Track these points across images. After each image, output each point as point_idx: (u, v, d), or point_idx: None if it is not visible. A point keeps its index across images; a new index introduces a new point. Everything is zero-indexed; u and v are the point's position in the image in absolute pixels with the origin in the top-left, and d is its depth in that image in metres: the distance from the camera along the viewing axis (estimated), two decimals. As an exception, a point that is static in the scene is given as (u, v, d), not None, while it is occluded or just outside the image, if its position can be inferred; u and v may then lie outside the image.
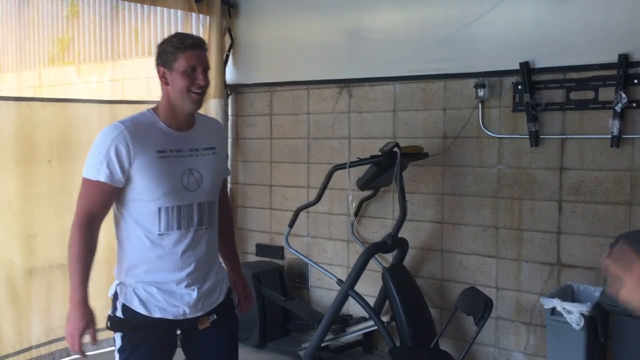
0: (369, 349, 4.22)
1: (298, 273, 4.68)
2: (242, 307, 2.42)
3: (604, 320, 3.15)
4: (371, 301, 3.96)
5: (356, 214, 4.29)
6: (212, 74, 4.71)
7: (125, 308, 2.09)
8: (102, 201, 2.04)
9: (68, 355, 4.13)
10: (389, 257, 4.07)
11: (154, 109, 2.11)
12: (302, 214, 4.34)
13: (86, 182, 2.04)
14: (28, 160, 3.86)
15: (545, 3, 3.59)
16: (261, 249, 4.85)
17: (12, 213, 3.82)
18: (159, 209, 2.03)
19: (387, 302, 3.89)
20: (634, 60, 3.29)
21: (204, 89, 2.04)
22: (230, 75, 4.91)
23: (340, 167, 3.88)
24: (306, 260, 4.29)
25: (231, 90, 4.92)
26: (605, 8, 3.38)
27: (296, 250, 4.27)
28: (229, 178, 2.41)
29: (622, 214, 3.39)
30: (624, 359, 2.93)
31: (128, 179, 2.01)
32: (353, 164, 3.82)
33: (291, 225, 4.17)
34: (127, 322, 2.07)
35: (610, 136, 3.35)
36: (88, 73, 6.60)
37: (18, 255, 3.85)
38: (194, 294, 2.11)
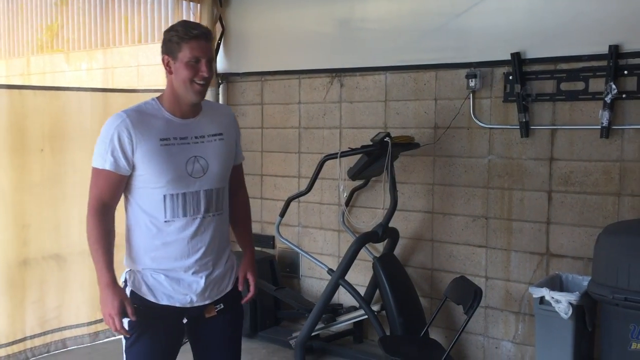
0: (360, 338, 4.25)
1: (289, 262, 4.68)
2: (243, 297, 2.38)
3: (591, 309, 3.19)
4: (362, 290, 3.98)
5: (347, 204, 4.30)
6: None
7: (133, 294, 2.10)
8: (110, 189, 2.06)
9: (64, 346, 4.12)
10: (380, 246, 4.08)
11: (158, 98, 2.11)
12: (293, 204, 4.34)
13: (95, 172, 2.07)
14: (20, 149, 3.82)
15: (536, -7, 3.59)
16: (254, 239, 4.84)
17: (5, 203, 3.79)
18: (164, 197, 2.04)
19: (378, 292, 3.90)
20: (624, 51, 3.30)
21: (207, 80, 2.04)
22: (221, 64, 4.88)
23: (331, 156, 3.88)
24: (297, 249, 4.29)
25: (222, 80, 4.89)
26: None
27: (287, 240, 4.28)
28: (242, 164, 2.38)
29: (611, 205, 3.41)
30: (611, 347, 2.96)
31: (133, 167, 2.03)
32: (344, 154, 3.82)
33: (282, 214, 4.17)
34: (135, 308, 2.07)
35: (600, 127, 3.37)
36: (77, 61, 6.54)
37: (11, 246, 3.83)
38: (202, 282, 2.11)
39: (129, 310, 2.03)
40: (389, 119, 4.17)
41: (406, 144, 3.81)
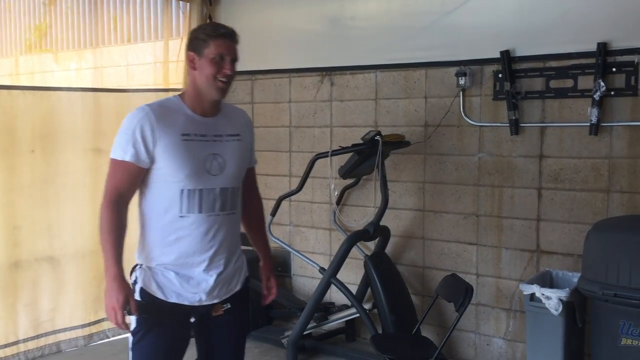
0: (352, 336, 4.25)
1: (280, 261, 4.68)
2: (266, 298, 2.44)
3: (581, 305, 3.21)
4: (353, 289, 3.98)
5: (338, 202, 4.30)
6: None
7: (143, 291, 2.11)
8: (129, 181, 2.07)
9: (58, 350, 4.09)
10: (371, 245, 4.08)
11: (180, 95, 2.15)
12: (285, 203, 4.34)
13: (114, 163, 2.08)
14: (10, 150, 3.79)
15: (525, -9, 3.61)
16: (243, 238, 4.81)
17: (-4, 204, 3.76)
18: (181, 191, 2.05)
19: (369, 290, 3.91)
20: (613, 48, 3.32)
21: (230, 78, 2.08)
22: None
23: (322, 155, 3.88)
24: (288, 248, 4.29)
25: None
26: (584, -4, 3.41)
27: (278, 239, 4.27)
28: (255, 168, 2.42)
29: (600, 201, 3.43)
30: (601, 343, 2.98)
31: (152, 160, 2.04)
32: (335, 153, 3.82)
33: (273, 213, 4.17)
34: (143, 304, 2.08)
35: (588, 124, 3.39)
36: (66, 61, 6.50)
37: (2, 248, 3.80)
38: (211, 280, 2.12)
39: (132, 305, 2.03)
40: (380, 117, 4.17)
41: (397, 143, 3.82)
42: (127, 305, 2.03)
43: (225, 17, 4.80)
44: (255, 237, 2.43)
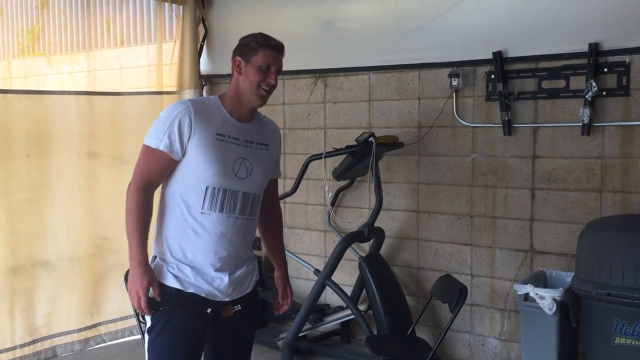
0: (347, 337, 4.26)
1: (275, 264, 4.67)
2: (280, 308, 2.45)
3: (575, 305, 3.22)
4: (348, 290, 3.99)
5: (333, 204, 4.30)
6: (186, 65, 4.68)
7: (159, 284, 2.11)
8: (159, 170, 2.11)
9: (54, 354, 4.07)
10: (366, 246, 4.09)
11: (220, 97, 2.20)
12: (280, 205, 4.33)
13: (146, 149, 2.11)
14: (6, 154, 3.77)
15: (517, -7, 3.62)
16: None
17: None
18: (206, 188, 2.09)
19: (364, 291, 3.92)
20: (604, 49, 3.34)
21: (272, 88, 2.15)
22: (204, 66, 4.87)
23: (316, 157, 3.89)
24: (283, 250, 4.28)
25: (206, 81, 4.88)
26: (575, -3, 3.43)
27: (273, 241, 4.27)
28: (278, 180, 2.46)
29: (593, 201, 3.45)
30: (595, 342, 3.00)
31: (184, 153, 2.08)
32: (329, 154, 3.83)
33: (268, 216, 4.16)
34: (161, 297, 2.09)
35: (581, 124, 3.41)
36: (59, 64, 6.49)
37: (1, 254, 3.77)
38: (225, 279, 2.14)
39: (155, 291, 2.06)
40: (373, 118, 4.18)
41: (390, 144, 3.83)
42: (150, 291, 2.05)
43: (218, 19, 4.81)
44: (272, 247, 2.48)
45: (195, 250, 2.11)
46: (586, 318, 3.09)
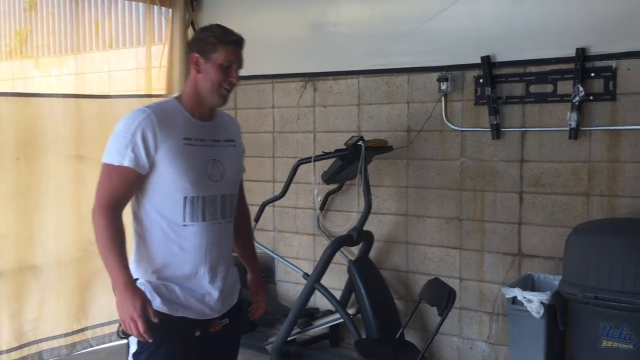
0: (336, 341, 4.25)
1: (264, 267, 4.66)
2: (255, 313, 2.32)
3: (562, 308, 3.24)
4: (337, 294, 3.98)
5: (322, 208, 4.30)
6: (176, 68, 4.67)
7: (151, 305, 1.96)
8: (125, 188, 1.94)
9: (40, 359, 4.03)
10: (355, 250, 4.09)
11: (177, 98, 2.06)
12: (268, 208, 4.34)
13: (108, 168, 1.94)
14: None
15: (505, -2, 3.65)
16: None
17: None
18: (185, 198, 1.95)
19: (353, 295, 3.91)
20: (591, 54, 3.37)
21: (233, 86, 2.02)
22: (193, 69, 4.86)
23: (306, 161, 3.89)
24: (272, 254, 4.28)
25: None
26: (562, 3, 3.45)
27: (262, 245, 4.27)
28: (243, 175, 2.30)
29: (580, 205, 3.47)
30: (582, 345, 3.01)
31: (152, 166, 1.93)
32: (318, 158, 3.83)
33: (257, 219, 4.16)
34: (150, 323, 1.90)
35: (568, 129, 3.43)
36: (47, 67, 6.45)
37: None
38: (216, 293, 2.02)
39: (150, 312, 1.87)
40: (363, 122, 4.19)
41: (379, 148, 3.84)
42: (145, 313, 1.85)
43: (207, 22, 4.76)
44: (243, 247, 2.31)
45: (183, 266, 1.98)
46: (573, 321, 3.10)
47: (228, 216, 2.07)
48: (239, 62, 2.02)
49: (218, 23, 2.06)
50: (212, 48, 1.97)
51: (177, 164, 1.94)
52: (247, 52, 5.03)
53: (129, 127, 1.92)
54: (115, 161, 1.92)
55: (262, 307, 2.33)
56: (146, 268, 1.99)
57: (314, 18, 4.36)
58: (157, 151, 1.92)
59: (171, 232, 1.97)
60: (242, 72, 5.08)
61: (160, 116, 1.95)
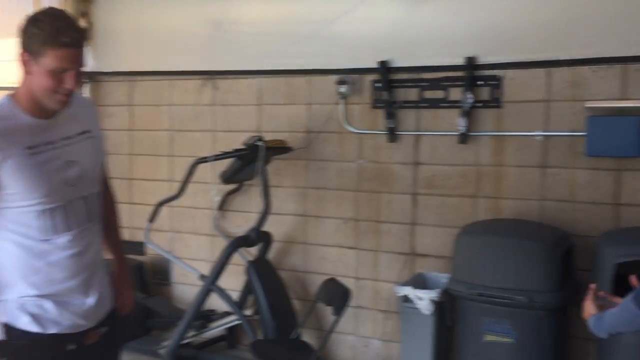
0: (233, 343, 4.20)
1: (160, 269, 4.53)
2: (123, 309, 2.14)
3: (450, 305, 3.38)
4: (236, 295, 3.94)
5: (220, 208, 4.24)
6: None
7: (10, 329, 1.78)
8: None
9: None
10: (254, 250, 4.06)
11: (12, 97, 1.77)
12: (165, 209, 4.20)
13: None
14: None
15: (401, 5, 3.75)
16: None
17: None
18: (41, 212, 1.75)
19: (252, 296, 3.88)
20: (480, 63, 3.54)
21: (71, 92, 1.74)
22: (87, 63, 4.63)
23: (203, 160, 3.82)
24: (167, 255, 4.17)
25: (88, 79, 4.64)
26: (454, 12, 3.60)
27: (157, 246, 4.14)
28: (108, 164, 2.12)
29: (469, 206, 3.64)
30: (467, 340, 3.16)
31: None
32: (216, 158, 3.77)
33: (151, 220, 4.03)
34: (13, 345, 1.76)
35: (458, 133, 3.59)
36: None
37: None
38: (91, 301, 1.87)
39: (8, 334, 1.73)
40: (263, 123, 4.17)
41: (279, 148, 3.84)
42: None
43: (102, 15, 4.60)
44: (111, 240, 2.12)
45: (53, 281, 1.80)
46: (460, 317, 3.25)
47: (94, 217, 1.91)
48: (76, 66, 1.70)
49: (54, 9, 1.73)
50: (40, 51, 1.65)
51: (26, 179, 1.71)
52: (145, 48, 4.88)
53: None
54: None
55: (129, 304, 2.17)
56: (6, 288, 1.81)
57: (214, 15, 4.28)
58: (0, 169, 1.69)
59: (33, 249, 1.79)
60: (139, 68, 4.92)
61: None
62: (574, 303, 3.12)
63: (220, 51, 4.27)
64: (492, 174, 3.58)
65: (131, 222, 4.59)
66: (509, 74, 3.50)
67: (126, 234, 4.54)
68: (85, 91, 4.63)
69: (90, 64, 4.61)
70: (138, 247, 4.56)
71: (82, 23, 4.55)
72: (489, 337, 3.05)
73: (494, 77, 3.52)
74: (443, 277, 3.55)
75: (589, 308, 1.85)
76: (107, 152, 2.07)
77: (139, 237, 4.48)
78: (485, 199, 3.60)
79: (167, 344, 3.85)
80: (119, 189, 4.52)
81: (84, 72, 1.78)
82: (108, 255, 2.16)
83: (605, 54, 3.24)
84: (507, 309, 2.99)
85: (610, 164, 3.28)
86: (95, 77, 4.66)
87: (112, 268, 2.15)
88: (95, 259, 1.91)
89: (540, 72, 3.41)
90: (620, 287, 2.67)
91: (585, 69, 3.30)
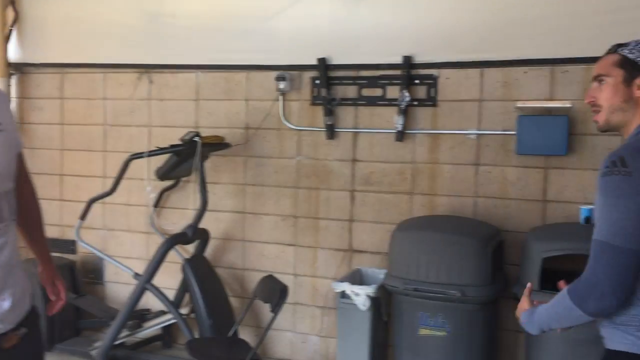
0: (169, 342, 4.13)
1: (92, 268, 4.40)
2: (54, 307, 2.06)
3: (386, 300, 3.43)
4: (172, 294, 3.86)
5: (156, 205, 4.15)
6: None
7: None
8: None
9: None
10: (191, 248, 3.99)
11: None
12: (98, 206, 4.08)
13: None
14: None
15: (341, 3, 3.77)
16: (50, 244, 4.44)
17: None
18: None
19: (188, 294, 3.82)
20: (416, 62, 3.60)
21: None
22: (13, 53, 4.43)
23: (138, 156, 3.72)
24: (99, 254, 4.04)
25: (15, 70, 4.44)
26: (392, 12, 3.65)
27: (88, 244, 4.00)
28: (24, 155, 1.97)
29: (405, 203, 3.70)
30: (402, 334, 3.21)
31: None
32: (152, 153, 3.68)
33: (83, 217, 3.89)
34: None
35: (395, 131, 3.64)
36: None
37: None
38: (6, 304, 1.73)
39: None
40: (201, 118, 4.10)
41: (216, 144, 3.79)
42: None
43: (30, 3, 4.41)
44: (33, 236, 2.03)
45: None
46: (395, 312, 3.29)
47: (9, 216, 1.77)
48: None
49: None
50: None
51: None
52: (77, 38, 4.71)
53: None
54: None
55: (62, 298, 2.08)
56: None
57: (150, 7, 4.17)
58: None
59: None
60: (70, 59, 4.77)
61: None
62: (504, 297, 3.24)
63: (156, 44, 4.17)
64: (427, 171, 3.65)
65: (61, 220, 4.45)
66: (444, 73, 3.58)
67: (56, 232, 4.43)
68: (12, 83, 4.43)
69: (18, 54, 4.44)
70: (69, 245, 4.41)
71: (9, 11, 4.36)
72: (424, 331, 3.11)
73: (429, 76, 3.59)
74: (380, 273, 3.61)
75: (524, 304, 1.84)
76: (22, 145, 1.95)
77: (70, 235, 4.34)
78: (421, 196, 3.67)
79: (99, 344, 3.74)
80: (49, 185, 4.43)
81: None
82: (30, 255, 2.08)
83: (535, 55, 3.36)
84: (441, 303, 3.06)
85: (539, 162, 3.41)
86: (22, 69, 4.46)
87: (37, 267, 2.06)
88: (10, 259, 1.78)
89: (474, 72, 3.50)
90: (547, 281, 2.79)
91: (516, 70, 3.42)
